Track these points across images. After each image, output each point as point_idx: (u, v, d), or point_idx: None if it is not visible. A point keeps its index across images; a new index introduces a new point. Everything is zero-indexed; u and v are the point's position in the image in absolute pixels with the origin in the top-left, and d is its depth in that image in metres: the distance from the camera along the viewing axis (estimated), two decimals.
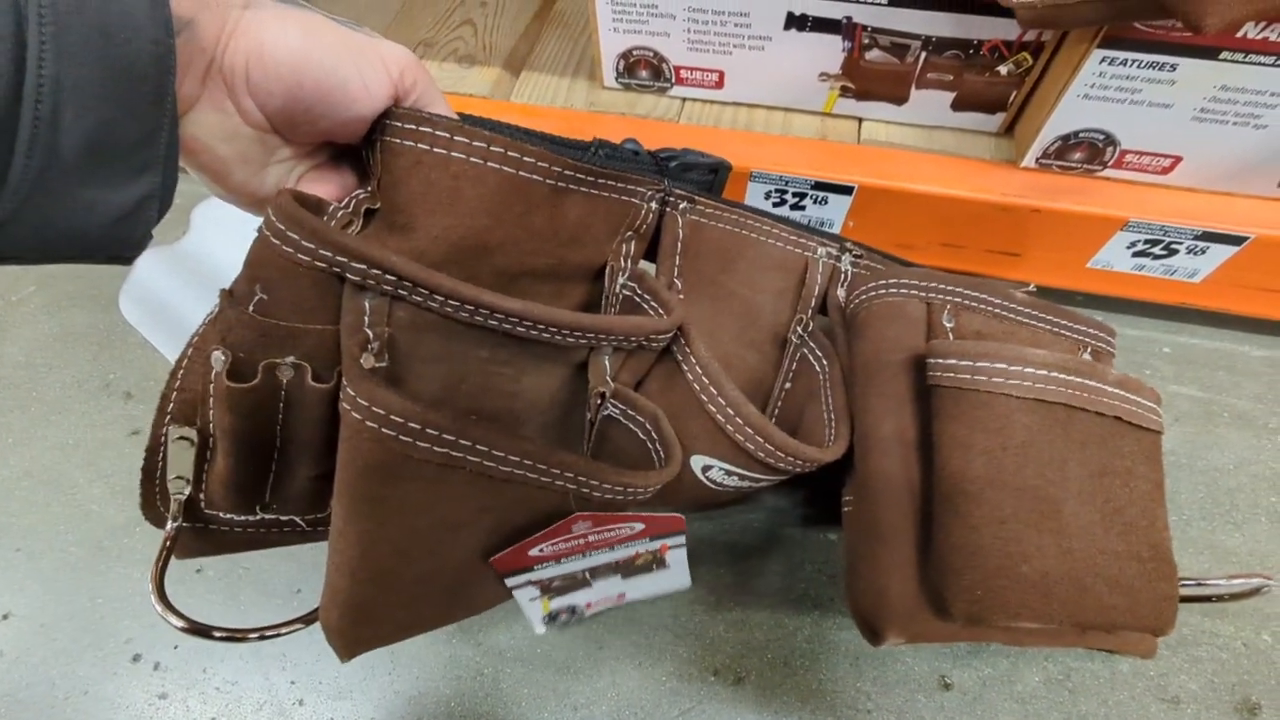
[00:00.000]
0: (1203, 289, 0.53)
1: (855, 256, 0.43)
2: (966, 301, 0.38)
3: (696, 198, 0.38)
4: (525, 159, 0.32)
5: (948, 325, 0.37)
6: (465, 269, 0.31)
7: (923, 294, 0.38)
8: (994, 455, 0.33)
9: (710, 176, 0.40)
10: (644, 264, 0.39)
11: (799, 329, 0.42)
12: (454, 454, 0.27)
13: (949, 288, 0.38)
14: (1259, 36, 0.39)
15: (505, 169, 0.32)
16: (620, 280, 0.36)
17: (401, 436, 0.25)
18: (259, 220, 0.27)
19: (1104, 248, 0.51)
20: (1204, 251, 0.50)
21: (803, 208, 0.55)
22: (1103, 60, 0.42)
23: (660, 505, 0.41)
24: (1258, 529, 0.48)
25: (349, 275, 0.27)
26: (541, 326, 0.30)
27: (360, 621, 0.30)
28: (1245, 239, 0.48)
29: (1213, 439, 0.51)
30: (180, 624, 0.29)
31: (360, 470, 0.26)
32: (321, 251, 0.26)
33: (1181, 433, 0.52)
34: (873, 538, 0.36)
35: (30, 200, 0.21)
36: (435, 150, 0.30)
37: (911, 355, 0.37)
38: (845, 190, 0.52)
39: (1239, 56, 0.40)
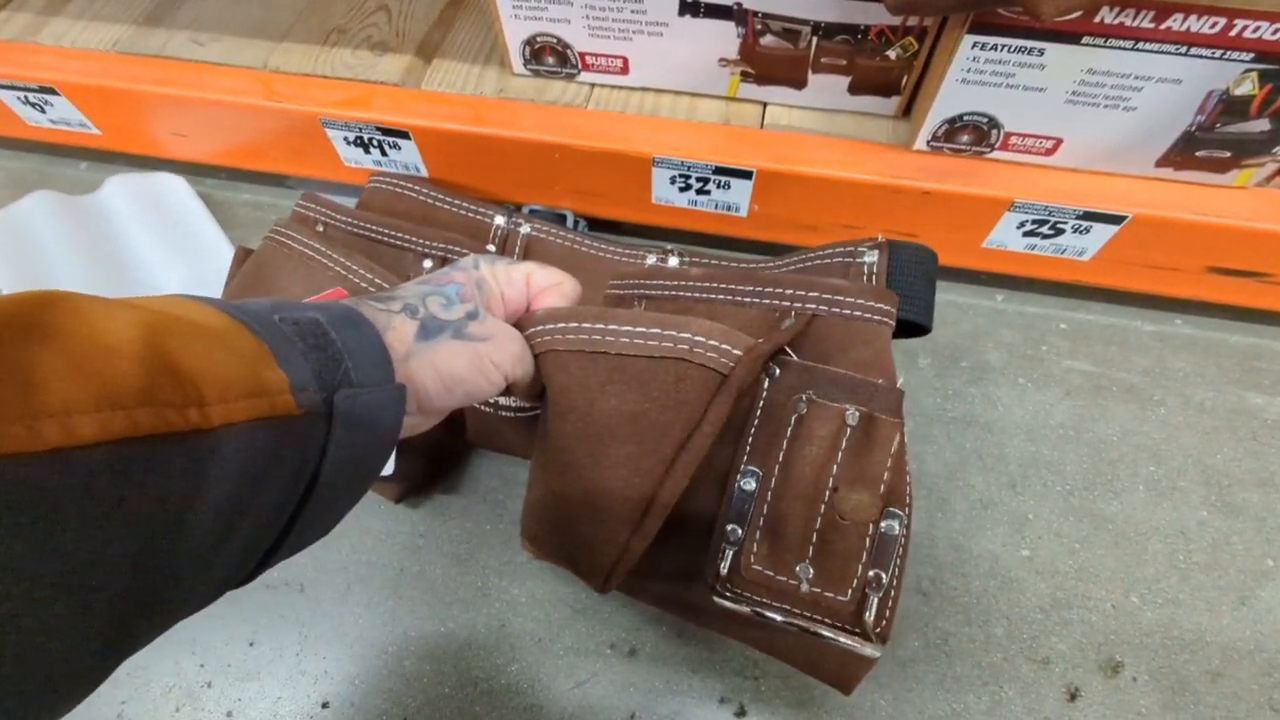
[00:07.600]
0: (1092, 267, 0.54)
1: (681, 258, 0.52)
2: (648, 291, 0.44)
3: (532, 222, 0.56)
4: (402, 187, 0.59)
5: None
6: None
7: (619, 290, 0.45)
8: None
9: (558, 219, 0.60)
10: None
11: None
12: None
13: (636, 282, 0.45)
14: (1115, 22, 0.40)
15: (394, 190, 0.59)
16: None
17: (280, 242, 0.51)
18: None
19: (995, 228, 0.53)
20: (1088, 231, 0.51)
21: (708, 192, 0.56)
22: (974, 45, 0.43)
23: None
24: (1135, 497, 0.50)
25: (321, 217, 0.55)
26: (375, 229, 0.53)
27: None
28: (1124, 218, 0.49)
29: (1100, 411, 0.53)
30: None
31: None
32: (317, 209, 0.55)
33: (1071, 406, 0.54)
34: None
35: None
36: (374, 186, 0.60)
37: None
38: (746, 175, 0.53)
39: (1100, 41, 0.41)
